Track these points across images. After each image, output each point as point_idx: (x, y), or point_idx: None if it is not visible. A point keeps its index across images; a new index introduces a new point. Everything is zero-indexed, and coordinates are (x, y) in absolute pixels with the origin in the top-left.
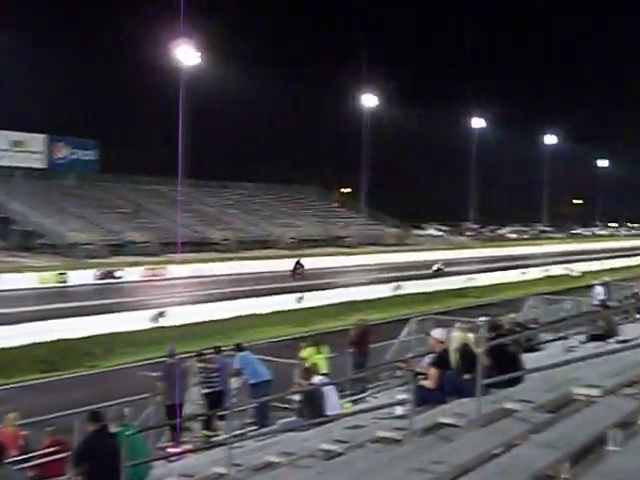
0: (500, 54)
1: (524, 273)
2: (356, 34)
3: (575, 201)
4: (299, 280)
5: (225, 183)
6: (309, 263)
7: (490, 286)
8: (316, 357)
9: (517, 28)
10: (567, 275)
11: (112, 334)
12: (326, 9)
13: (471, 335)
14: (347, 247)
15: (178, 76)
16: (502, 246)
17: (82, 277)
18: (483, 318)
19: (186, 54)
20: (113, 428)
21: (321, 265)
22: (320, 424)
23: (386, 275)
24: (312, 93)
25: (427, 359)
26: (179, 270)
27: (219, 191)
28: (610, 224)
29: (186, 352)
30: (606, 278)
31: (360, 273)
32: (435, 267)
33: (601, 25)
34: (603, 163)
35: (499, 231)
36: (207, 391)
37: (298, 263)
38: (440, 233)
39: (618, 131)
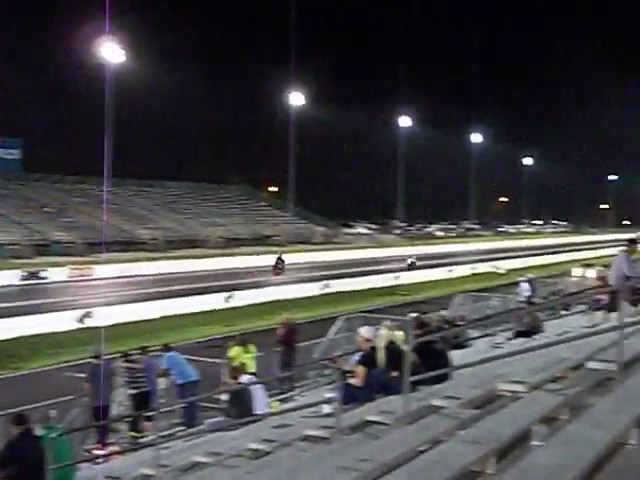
0: (428, 54)
1: (451, 271)
2: (285, 33)
3: (501, 199)
4: (279, 275)
5: (151, 182)
6: (235, 262)
7: (418, 284)
8: (244, 356)
9: (444, 28)
10: (493, 272)
11: (37, 335)
12: (256, 8)
13: (398, 333)
14: (276, 246)
15: (103, 74)
16: (430, 244)
17: (6, 278)
18: (411, 315)
19: (111, 51)
20: (38, 430)
21: (249, 264)
22: (248, 423)
23: (314, 274)
24: (240, 92)
25: (355, 357)
26: (106, 270)
27: (145, 190)
28: (535, 221)
29: (113, 353)
30: (530, 275)
31: (288, 272)
32: (409, 261)
33: (523, 26)
34: (528, 161)
35: (427, 229)
36: (133, 392)
37: (279, 259)
38: (369, 231)
39: (542, 130)
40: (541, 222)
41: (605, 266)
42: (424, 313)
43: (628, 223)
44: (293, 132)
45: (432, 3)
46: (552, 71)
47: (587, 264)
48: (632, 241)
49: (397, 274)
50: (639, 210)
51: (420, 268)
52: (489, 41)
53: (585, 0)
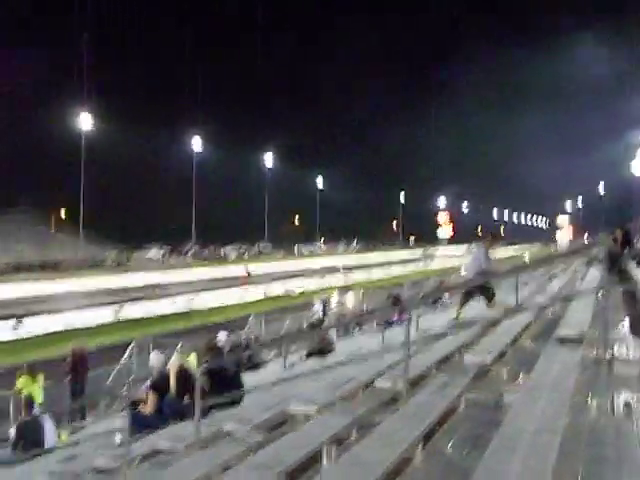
0: (218, 75)
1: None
2: (75, 52)
3: (296, 220)
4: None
5: None
6: (21, 290)
7: (214, 307)
8: (31, 387)
9: (238, 57)
10: (288, 294)
11: None
12: (48, 28)
13: (191, 357)
14: (64, 271)
15: None
16: (223, 266)
17: None
18: (206, 339)
19: None
20: None
21: (33, 292)
22: (36, 456)
23: (105, 299)
24: (30, 112)
25: (147, 383)
26: None
27: None
28: (328, 241)
29: None
30: (323, 296)
31: (78, 298)
32: (246, 272)
33: (303, 43)
34: (320, 182)
35: (221, 251)
36: None
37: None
38: (161, 254)
39: (332, 149)
40: (334, 241)
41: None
42: (217, 336)
43: (412, 239)
44: (83, 155)
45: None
46: (340, 91)
47: (346, 287)
48: (494, 235)
49: (192, 296)
50: (425, 227)
51: (215, 289)
52: (277, 62)
53: (357, 21)
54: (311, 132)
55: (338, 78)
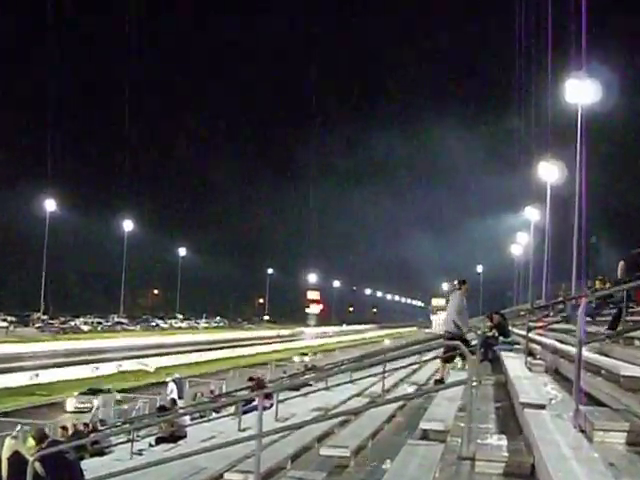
0: (77, 138)
1: (97, 368)
2: None
3: (154, 291)
4: None
5: None
6: None
7: (59, 382)
8: None
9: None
10: (142, 370)
11: None
12: None
13: (29, 441)
14: None
15: None
16: (75, 338)
17: None
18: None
19: None
20: None
21: None
22: None
23: None
24: None
25: None
26: None
27: None
28: (189, 316)
29: None
30: (177, 375)
31: None
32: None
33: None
34: (183, 252)
35: (72, 322)
36: None
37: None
38: (5, 324)
39: (196, 222)
40: (195, 317)
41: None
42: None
43: (267, 318)
44: None
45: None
46: (199, 164)
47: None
48: (463, 282)
49: (36, 372)
50: (294, 304)
51: (63, 366)
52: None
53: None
54: (175, 203)
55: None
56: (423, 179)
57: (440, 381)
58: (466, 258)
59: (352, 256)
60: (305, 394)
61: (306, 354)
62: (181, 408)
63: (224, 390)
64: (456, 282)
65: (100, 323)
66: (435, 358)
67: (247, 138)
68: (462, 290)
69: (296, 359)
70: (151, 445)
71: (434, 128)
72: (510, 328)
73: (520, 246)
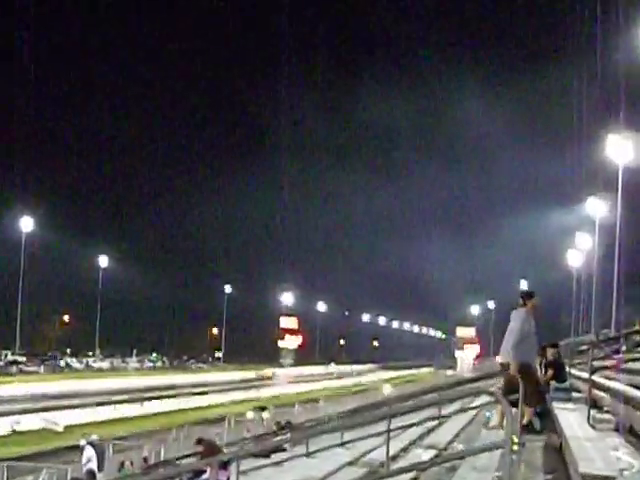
0: None
1: None
2: None
3: (65, 317)
4: None
5: None
6: None
7: None
8: None
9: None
10: (48, 429)
11: None
12: None
13: None
14: None
15: None
16: None
17: None
18: None
19: None
20: None
21: None
22: None
23: None
24: None
25: None
26: None
27: None
28: (110, 354)
29: None
30: (94, 436)
31: None
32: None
33: None
34: (105, 263)
35: None
36: None
37: None
38: None
39: (125, 220)
40: (122, 354)
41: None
42: None
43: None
44: None
45: None
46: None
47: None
48: (529, 295)
49: None
50: (263, 335)
51: None
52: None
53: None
54: (95, 194)
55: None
56: (440, 160)
57: (530, 428)
58: (504, 270)
59: (343, 268)
60: (277, 462)
61: (264, 408)
62: None
63: (162, 457)
64: (520, 297)
65: None
66: (461, 411)
67: (192, 101)
68: (528, 307)
69: (250, 415)
70: None
71: (454, 86)
72: (567, 369)
73: (580, 253)
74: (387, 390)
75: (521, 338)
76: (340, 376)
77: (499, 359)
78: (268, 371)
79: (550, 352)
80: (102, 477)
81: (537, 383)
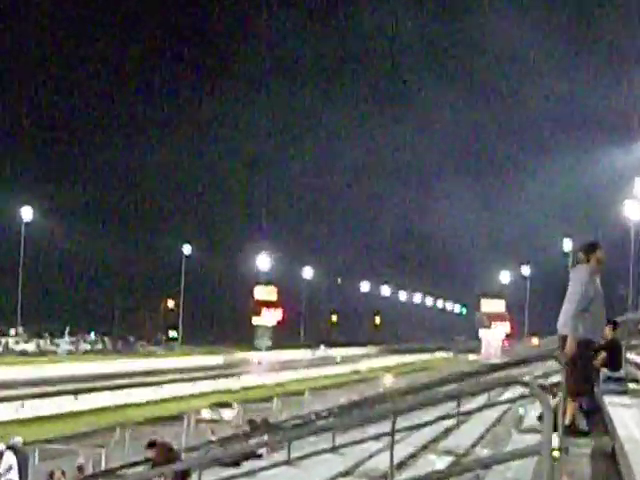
0: None
1: None
2: None
3: None
4: None
5: None
6: None
7: None
8: None
9: None
10: None
11: None
12: None
13: None
14: None
15: None
16: None
17: None
18: None
19: None
20: None
21: None
22: None
23: None
24: None
25: None
26: None
27: None
28: (37, 333)
29: None
30: (18, 439)
31: None
32: None
33: None
34: (28, 215)
35: None
36: None
37: None
38: None
39: (55, 163)
40: (52, 333)
41: None
42: None
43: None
44: None
45: None
46: None
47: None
48: (592, 247)
49: None
50: (225, 313)
51: None
52: None
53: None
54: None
55: None
56: (459, 86)
57: (574, 428)
58: (541, 227)
59: (335, 223)
60: (250, 472)
61: (229, 404)
62: None
63: (103, 465)
64: (580, 250)
65: None
66: (482, 408)
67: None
68: (592, 263)
69: (205, 414)
70: None
71: None
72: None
73: None
74: (388, 381)
75: (584, 305)
76: (330, 362)
77: (559, 330)
78: (240, 355)
79: (607, 332)
80: None
81: (591, 369)
